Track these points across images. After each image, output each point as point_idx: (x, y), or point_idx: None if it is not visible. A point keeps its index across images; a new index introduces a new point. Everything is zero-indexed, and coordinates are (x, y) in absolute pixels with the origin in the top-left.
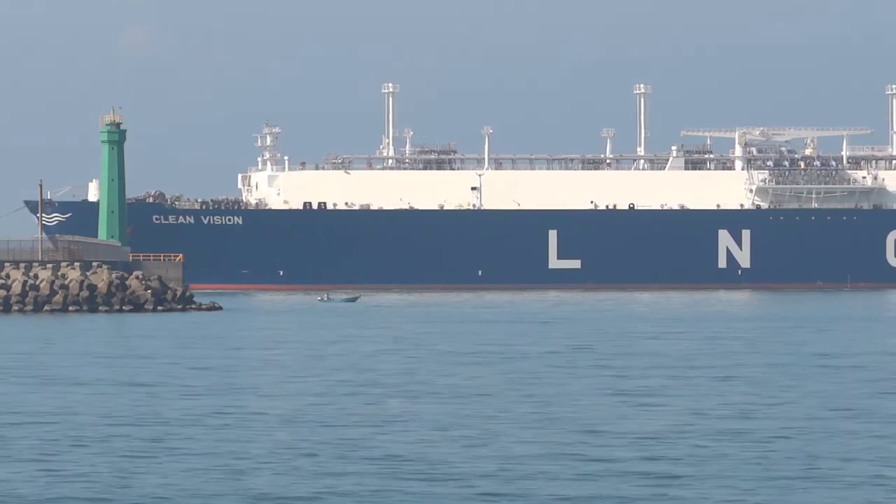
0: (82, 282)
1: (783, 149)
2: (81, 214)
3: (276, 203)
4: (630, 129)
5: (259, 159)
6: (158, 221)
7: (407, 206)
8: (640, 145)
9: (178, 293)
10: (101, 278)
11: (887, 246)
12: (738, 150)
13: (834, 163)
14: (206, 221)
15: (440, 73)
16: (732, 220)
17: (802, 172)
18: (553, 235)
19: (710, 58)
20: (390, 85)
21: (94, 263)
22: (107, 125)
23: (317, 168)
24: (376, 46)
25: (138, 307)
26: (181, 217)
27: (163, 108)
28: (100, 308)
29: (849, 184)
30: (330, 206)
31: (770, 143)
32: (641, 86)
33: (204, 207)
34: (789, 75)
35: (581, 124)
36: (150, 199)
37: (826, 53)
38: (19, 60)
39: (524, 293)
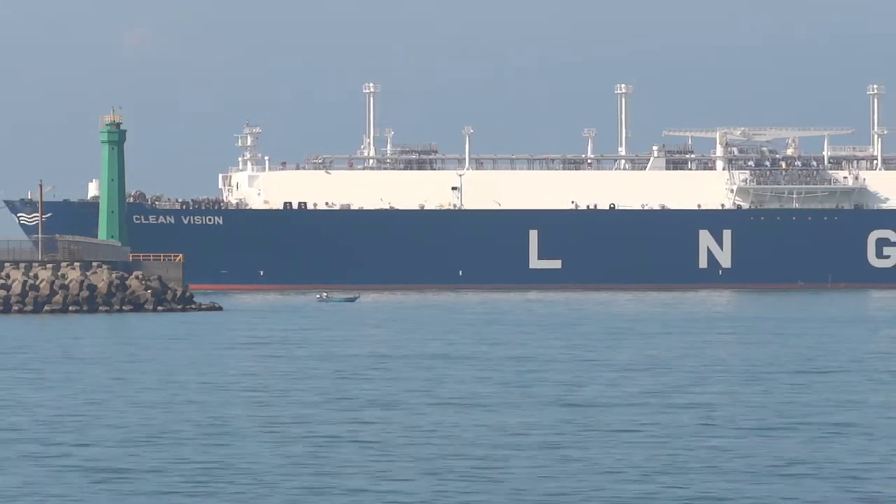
0: (82, 282)
1: (764, 149)
2: (60, 214)
3: (256, 203)
4: (612, 129)
5: (240, 159)
6: (139, 221)
7: (387, 207)
8: (621, 145)
9: (178, 293)
10: (101, 278)
11: (868, 246)
12: (720, 150)
13: (815, 163)
14: (186, 221)
15: (421, 72)
16: (713, 220)
17: (783, 172)
18: (534, 235)
19: (692, 57)
20: (371, 85)
21: (94, 263)
22: (107, 125)
23: (297, 168)
24: (357, 46)
25: (138, 307)
26: (161, 217)
27: (145, 107)
28: (100, 308)
29: (830, 184)
30: (310, 207)
31: (751, 143)
32: (623, 86)
33: (184, 207)
34: (771, 75)
35: (562, 124)
36: (131, 199)
37: (808, 53)
38: (18, 61)
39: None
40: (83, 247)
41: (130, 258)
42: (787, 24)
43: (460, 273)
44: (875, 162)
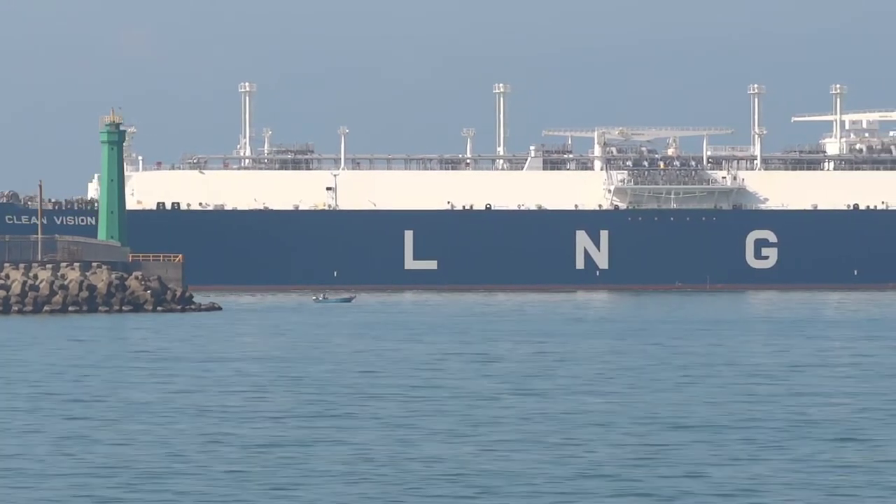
0: (82, 282)
1: (643, 149)
2: None
3: (129, 204)
4: (491, 128)
5: None
6: (11, 222)
7: (262, 207)
8: (500, 145)
9: (178, 294)
10: (101, 279)
11: (747, 246)
12: (597, 150)
13: (694, 163)
14: (58, 222)
15: (297, 72)
16: (590, 220)
17: (662, 172)
18: (409, 236)
19: (572, 57)
20: (247, 84)
21: (94, 264)
22: (107, 125)
23: (172, 168)
24: (233, 45)
25: (138, 307)
26: (34, 217)
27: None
28: (99, 308)
29: (708, 184)
30: (184, 207)
31: (630, 143)
32: (501, 85)
33: (57, 208)
34: (652, 75)
35: (441, 124)
36: (3, 199)
37: (689, 53)
38: (18, 61)
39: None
40: (83, 247)
41: (130, 258)
42: (667, 24)
43: (335, 274)
44: (755, 162)
